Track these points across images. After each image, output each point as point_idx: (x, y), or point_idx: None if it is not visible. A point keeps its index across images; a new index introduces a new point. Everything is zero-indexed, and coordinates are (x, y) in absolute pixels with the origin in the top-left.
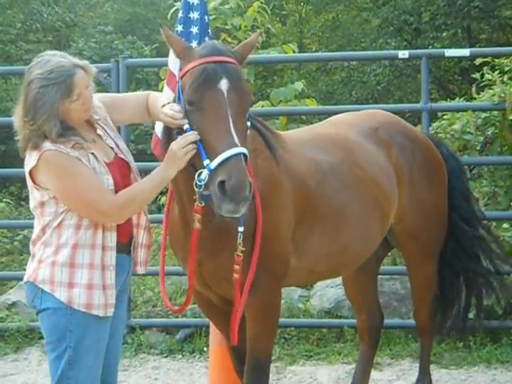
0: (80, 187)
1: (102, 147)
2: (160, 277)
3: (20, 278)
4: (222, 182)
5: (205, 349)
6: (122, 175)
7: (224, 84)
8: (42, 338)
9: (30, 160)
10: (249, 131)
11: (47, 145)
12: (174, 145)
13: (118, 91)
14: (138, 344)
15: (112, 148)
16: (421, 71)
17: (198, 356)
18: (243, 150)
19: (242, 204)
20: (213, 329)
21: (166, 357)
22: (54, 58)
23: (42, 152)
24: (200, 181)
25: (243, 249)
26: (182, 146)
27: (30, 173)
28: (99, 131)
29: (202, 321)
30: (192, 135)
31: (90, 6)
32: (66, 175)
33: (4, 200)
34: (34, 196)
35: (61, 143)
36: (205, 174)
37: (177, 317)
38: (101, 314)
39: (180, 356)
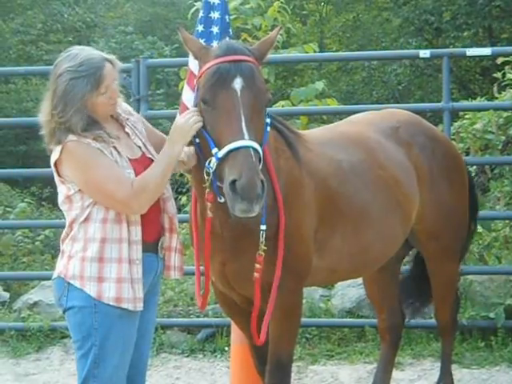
0: (99, 178)
1: (129, 144)
2: (196, 274)
3: (41, 278)
4: (233, 182)
5: (226, 348)
6: None
7: (238, 83)
8: (63, 337)
9: (55, 153)
10: (269, 128)
11: (70, 137)
12: (179, 120)
13: (139, 91)
14: (159, 343)
15: (140, 147)
16: (442, 70)
17: (219, 356)
18: (253, 143)
19: (255, 202)
20: (234, 328)
21: (188, 356)
22: (83, 52)
23: (64, 143)
24: (209, 168)
25: (265, 248)
26: (188, 119)
27: (56, 166)
28: (128, 130)
29: (223, 320)
30: (196, 112)
31: (111, 7)
32: (86, 166)
33: (25, 200)
34: (61, 190)
35: (83, 137)
36: (213, 161)
37: (198, 316)
38: (130, 307)
39: (201, 356)
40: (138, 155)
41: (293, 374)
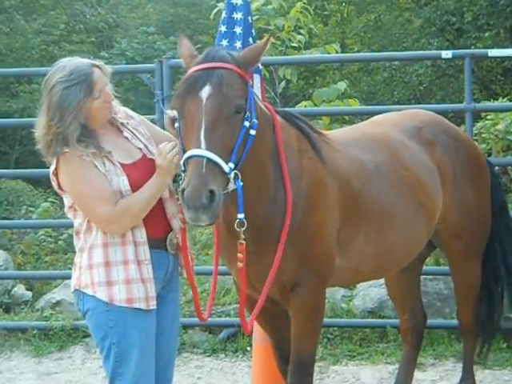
0: (84, 191)
1: (127, 148)
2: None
3: (64, 277)
4: (182, 191)
5: (248, 348)
6: (150, 174)
7: (205, 91)
8: (85, 336)
9: (52, 164)
10: (254, 132)
11: (64, 148)
12: (157, 159)
13: (162, 92)
14: (181, 343)
15: (140, 149)
16: (463, 71)
17: (241, 355)
18: (207, 153)
19: (202, 212)
20: (256, 328)
21: (209, 356)
22: (71, 62)
23: (60, 154)
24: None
25: (243, 236)
26: (166, 154)
27: (56, 176)
28: (126, 134)
29: None
30: (169, 144)
31: (133, 7)
32: (75, 179)
33: (48, 200)
34: (64, 200)
35: (77, 149)
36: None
37: (220, 316)
38: (143, 306)
39: (223, 355)
40: (137, 158)
41: (315, 374)
